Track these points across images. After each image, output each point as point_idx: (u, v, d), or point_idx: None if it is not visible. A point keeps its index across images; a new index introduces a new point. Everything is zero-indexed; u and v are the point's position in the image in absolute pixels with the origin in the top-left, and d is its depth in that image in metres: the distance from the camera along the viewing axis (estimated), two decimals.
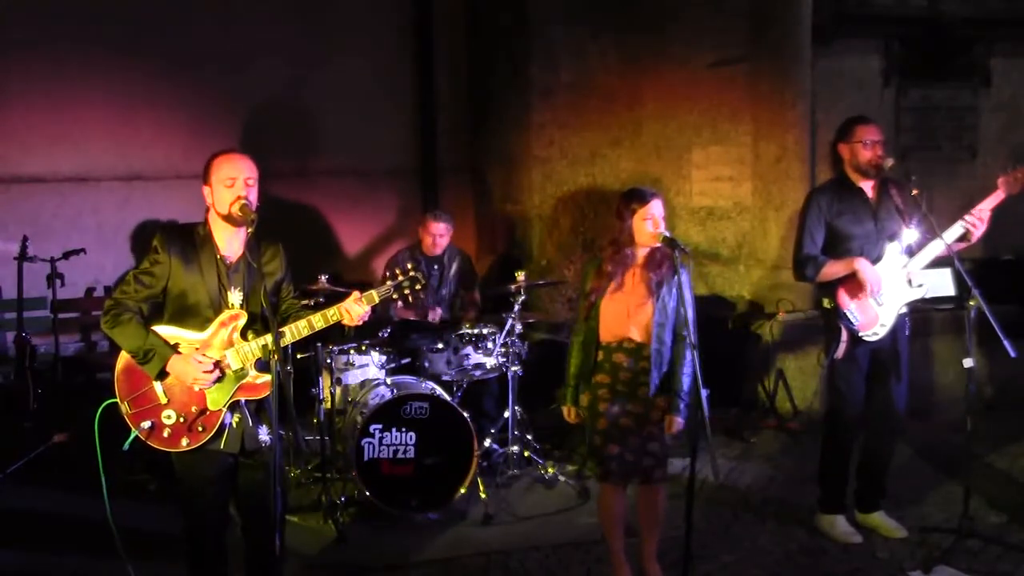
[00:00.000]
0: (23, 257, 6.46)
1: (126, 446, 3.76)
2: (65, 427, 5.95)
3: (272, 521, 3.60)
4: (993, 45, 8.32)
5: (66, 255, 6.64)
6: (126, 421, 3.73)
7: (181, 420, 3.70)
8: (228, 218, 3.72)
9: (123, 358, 3.75)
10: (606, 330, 4.38)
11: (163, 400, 3.71)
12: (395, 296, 3.87)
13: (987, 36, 8.28)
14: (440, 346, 6.04)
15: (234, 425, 3.76)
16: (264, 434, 3.77)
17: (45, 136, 7.42)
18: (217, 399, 3.71)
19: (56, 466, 5.87)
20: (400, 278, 3.86)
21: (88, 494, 5.20)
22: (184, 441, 3.70)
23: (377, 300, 3.83)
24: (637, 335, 4.34)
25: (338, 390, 5.92)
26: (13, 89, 7.31)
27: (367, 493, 5.32)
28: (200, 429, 3.70)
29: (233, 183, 3.70)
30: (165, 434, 3.70)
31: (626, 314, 4.34)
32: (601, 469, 4.43)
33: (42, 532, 5.31)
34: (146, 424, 3.69)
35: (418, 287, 3.88)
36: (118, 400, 3.74)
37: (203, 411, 3.71)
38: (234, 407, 3.76)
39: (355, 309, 3.77)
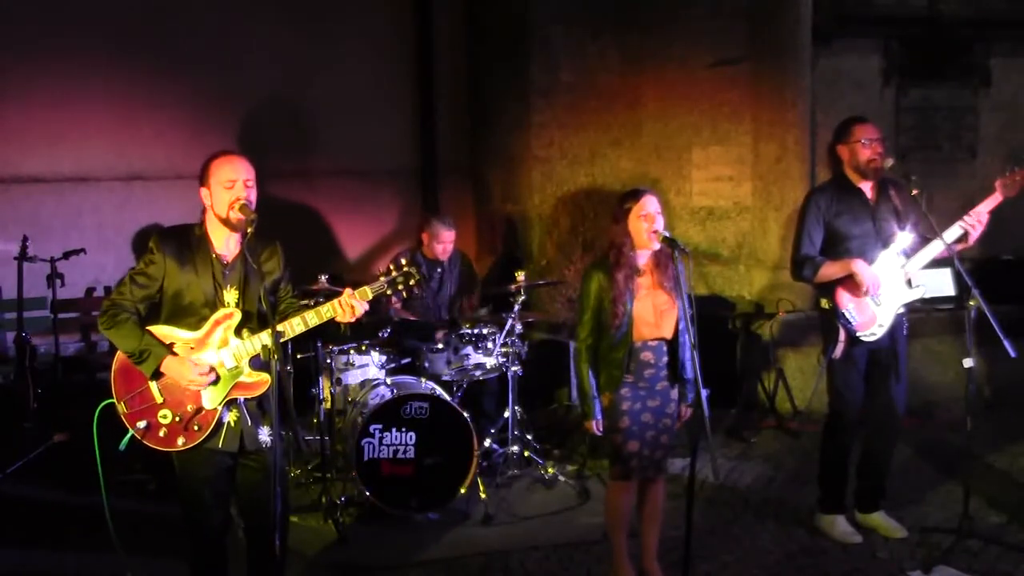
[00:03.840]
0: (23, 257, 6.46)
1: (123, 446, 3.76)
2: (65, 427, 5.95)
3: (272, 521, 3.60)
4: (993, 45, 8.32)
5: (66, 255, 6.63)
6: (123, 421, 3.74)
7: (177, 419, 3.71)
8: (226, 222, 3.72)
9: (119, 358, 3.76)
10: (637, 332, 4.33)
11: (159, 399, 3.71)
12: (389, 292, 3.84)
13: (987, 36, 8.28)
14: (440, 346, 6.04)
15: (232, 424, 3.76)
16: (264, 435, 3.77)
17: (45, 136, 7.42)
18: (213, 397, 3.72)
19: (56, 466, 5.87)
20: (394, 274, 3.85)
21: (88, 494, 5.22)
22: (180, 440, 3.70)
23: (371, 296, 3.81)
24: (668, 333, 4.37)
25: (338, 390, 5.92)
26: (13, 89, 7.31)
27: (367, 493, 5.33)
28: (196, 428, 3.70)
29: (233, 185, 3.70)
30: (161, 433, 3.71)
31: (657, 315, 4.33)
32: (621, 468, 4.39)
33: (42, 532, 5.32)
34: (142, 424, 3.70)
35: (412, 283, 3.85)
36: (115, 400, 3.74)
37: (199, 410, 3.71)
38: (231, 405, 3.76)
39: (348, 305, 3.77)
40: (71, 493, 5.64)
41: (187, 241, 3.77)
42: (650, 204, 4.29)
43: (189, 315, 3.74)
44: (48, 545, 5.12)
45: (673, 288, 4.32)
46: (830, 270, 4.90)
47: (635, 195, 4.34)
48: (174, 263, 3.72)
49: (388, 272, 3.86)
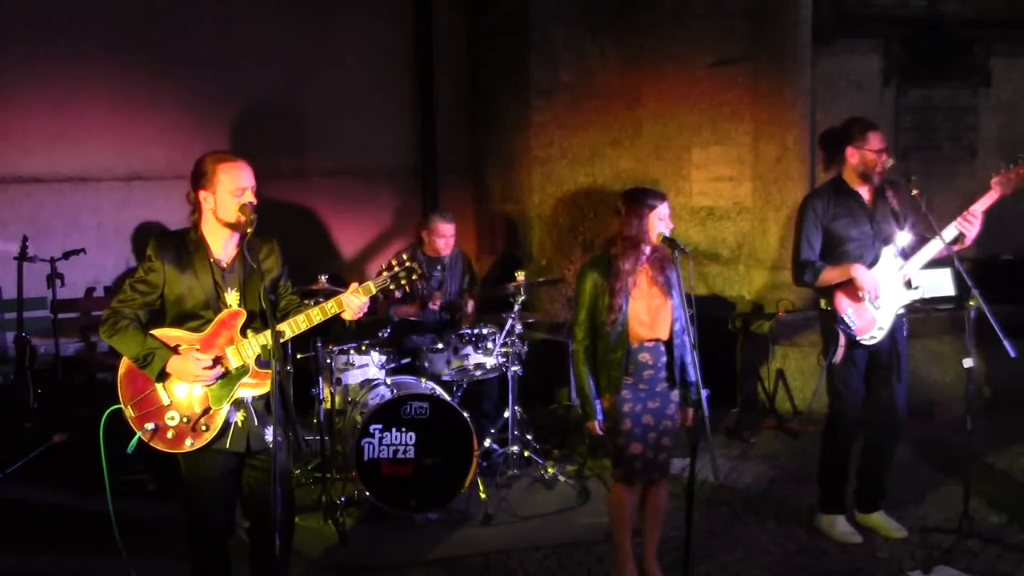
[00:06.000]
0: (23, 257, 6.46)
1: (130, 449, 3.78)
2: (65, 427, 5.95)
3: (274, 522, 3.60)
4: (993, 45, 8.31)
5: (66, 255, 6.63)
6: (130, 425, 3.75)
7: (185, 421, 3.72)
8: (231, 225, 3.74)
9: (124, 363, 3.77)
10: (633, 333, 4.34)
11: (166, 402, 3.72)
12: (392, 287, 3.86)
13: (987, 36, 8.27)
14: (440, 346, 6.04)
15: (239, 424, 3.77)
16: (270, 435, 3.77)
17: (45, 136, 7.42)
18: (219, 397, 3.73)
19: (56, 466, 5.87)
20: (396, 268, 3.86)
21: (88, 494, 5.24)
22: (188, 441, 3.72)
23: (374, 291, 3.83)
24: (664, 334, 4.37)
25: (338, 390, 5.93)
26: (13, 89, 7.31)
27: (367, 493, 5.33)
28: (204, 428, 3.71)
29: (242, 193, 3.72)
30: (169, 435, 3.72)
31: (653, 314, 4.34)
32: (623, 470, 4.40)
33: (42, 532, 5.31)
34: (150, 426, 3.71)
35: (415, 277, 3.87)
36: (121, 405, 3.76)
37: (206, 410, 3.72)
38: (239, 405, 3.77)
39: (353, 301, 3.78)
40: (71, 494, 5.63)
41: (184, 246, 3.78)
42: (665, 209, 4.34)
43: (192, 319, 3.76)
44: (48, 546, 5.12)
45: (666, 287, 4.33)
46: (830, 275, 4.90)
47: (660, 197, 4.35)
48: (173, 269, 3.74)
49: (390, 267, 3.87)
